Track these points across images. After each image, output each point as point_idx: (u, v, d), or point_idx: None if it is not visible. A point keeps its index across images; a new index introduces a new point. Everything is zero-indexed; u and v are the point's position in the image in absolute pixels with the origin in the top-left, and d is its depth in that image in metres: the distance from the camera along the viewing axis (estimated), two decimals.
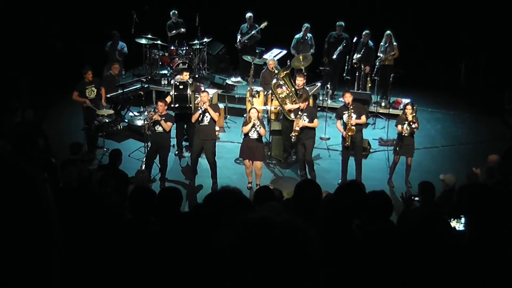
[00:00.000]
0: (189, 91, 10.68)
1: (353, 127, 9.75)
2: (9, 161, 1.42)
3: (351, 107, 9.76)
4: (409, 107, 9.75)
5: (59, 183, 4.44)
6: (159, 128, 9.78)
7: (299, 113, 9.86)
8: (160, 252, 2.82)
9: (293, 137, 9.85)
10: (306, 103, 10.00)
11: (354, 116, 9.75)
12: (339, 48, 13.20)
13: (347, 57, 13.39)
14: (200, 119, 9.75)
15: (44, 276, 1.39)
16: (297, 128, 9.78)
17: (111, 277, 2.88)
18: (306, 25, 13.42)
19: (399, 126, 9.79)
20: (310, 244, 1.35)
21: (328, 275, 1.38)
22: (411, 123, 9.60)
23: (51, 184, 5.36)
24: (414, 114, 9.69)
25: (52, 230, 1.42)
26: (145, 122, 9.89)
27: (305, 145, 9.92)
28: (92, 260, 2.89)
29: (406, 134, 9.67)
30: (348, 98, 9.83)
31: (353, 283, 2.87)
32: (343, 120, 9.90)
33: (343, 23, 13.42)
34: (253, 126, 9.47)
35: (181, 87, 10.77)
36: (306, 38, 13.47)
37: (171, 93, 10.81)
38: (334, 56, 13.24)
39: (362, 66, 13.06)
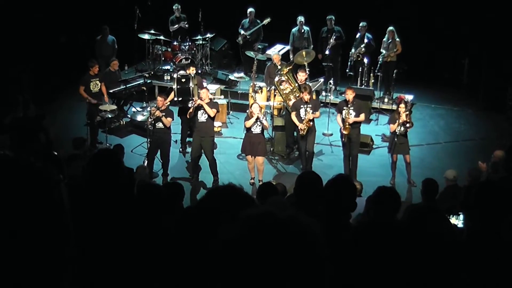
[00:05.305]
0: (191, 84, 10.60)
1: (349, 126, 9.68)
2: (25, 162, 1.41)
3: (351, 104, 9.70)
4: (402, 105, 9.65)
5: (65, 178, 4.44)
6: (159, 124, 9.78)
7: (306, 105, 9.82)
8: (167, 249, 2.80)
9: (303, 131, 9.80)
10: (310, 96, 9.98)
11: (353, 114, 9.67)
12: (329, 42, 13.12)
13: (350, 53, 13.33)
14: (197, 116, 9.72)
15: (56, 277, 1.38)
16: (307, 120, 9.75)
17: (118, 274, 2.87)
18: (300, 17, 13.31)
19: (391, 125, 9.71)
20: (314, 239, 1.34)
21: (332, 271, 1.36)
22: (405, 123, 9.46)
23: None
24: (407, 113, 9.53)
25: (67, 231, 1.42)
26: (148, 119, 9.88)
27: (307, 138, 9.93)
28: (100, 255, 2.88)
29: (399, 133, 9.51)
30: (349, 95, 9.77)
31: (350, 278, 2.83)
32: (342, 116, 9.83)
33: (333, 17, 13.30)
34: (257, 120, 9.45)
35: (183, 80, 10.70)
36: (303, 31, 13.39)
37: (173, 87, 10.76)
38: (327, 52, 13.18)
39: (365, 61, 12.97)
